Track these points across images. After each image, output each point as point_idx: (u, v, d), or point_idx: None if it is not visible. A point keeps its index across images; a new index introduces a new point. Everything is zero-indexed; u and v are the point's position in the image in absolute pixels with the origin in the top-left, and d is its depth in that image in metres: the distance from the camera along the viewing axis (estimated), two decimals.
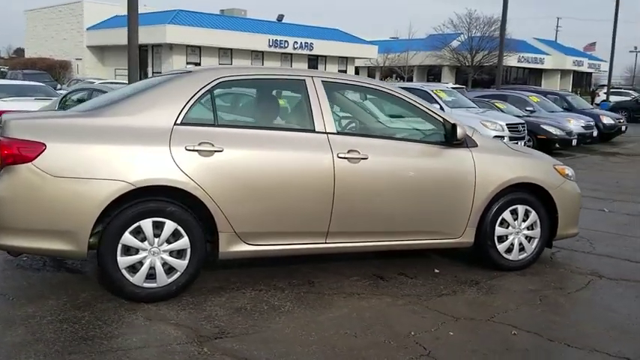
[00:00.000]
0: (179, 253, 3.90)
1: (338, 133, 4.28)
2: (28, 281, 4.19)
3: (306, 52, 35.87)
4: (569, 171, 5.07)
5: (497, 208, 4.71)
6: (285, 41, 34.79)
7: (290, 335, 3.42)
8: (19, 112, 4.30)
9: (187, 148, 3.86)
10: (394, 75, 47.60)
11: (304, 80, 4.33)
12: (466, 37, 45.53)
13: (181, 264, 3.90)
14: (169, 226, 3.83)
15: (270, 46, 34.21)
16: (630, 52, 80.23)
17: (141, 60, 31.78)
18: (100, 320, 3.53)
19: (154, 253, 3.83)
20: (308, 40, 35.83)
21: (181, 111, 3.95)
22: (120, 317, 3.60)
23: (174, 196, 3.85)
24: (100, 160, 3.71)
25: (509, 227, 4.77)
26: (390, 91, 4.67)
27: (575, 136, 15.29)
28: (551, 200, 4.87)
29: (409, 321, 3.69)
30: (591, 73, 62.98)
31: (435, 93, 14.58)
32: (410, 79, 45.64)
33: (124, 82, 25.82)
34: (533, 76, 54.92)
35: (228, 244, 4.01)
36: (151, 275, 3.84)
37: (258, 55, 34.65)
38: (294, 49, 35.37)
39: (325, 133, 4.23)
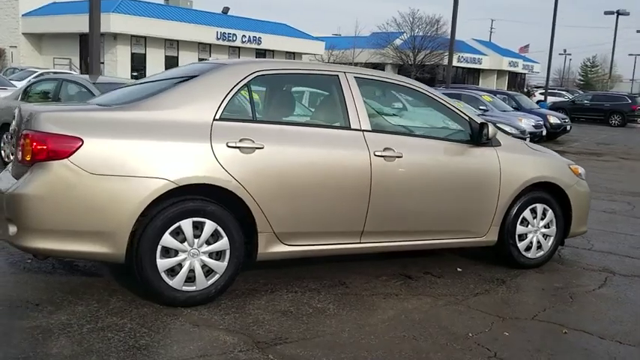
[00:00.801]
0: (218, 255, 3.71)
1: (372, 130, 4.19)
2: (47, 286, 3.89)
3: (254, 46, 35.42)
4: (581, 170, 5.19)
5: (519, 207, 4.75)
6: (234, 34, 34.23)
7: (350, 340, 3.31)
8: (44, 105, 3.99)
9: (229, 144, 3.68)
10: None
11: (337, 76, 4.22)
12: (409, 36, 46.36)
13: (221, 266, 3.71)
14: (209, 226, 3.64)
15: (218, 38, 33.56)
16: (560, 54, 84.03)
17: (82, 49, 30.69)
18: (145, 327, 3.32)
19: (194, 254, 3.63)
20: (256, 34, 35.40)
21: (219, 105, 3.76)
22: (164, 324, 3.39)
23: (212, 194, 3.67)
24: (140, 156, 3.48)
25: (529, 226, 4.83)
26: (418, 89, 4.63)
27: (528, 135, 15.78)
28: (566, 199, 4.97)
29: (460, 322, 3.66)
30: (525, 73, 65.42)
31: None
32: None
33: (69, 71, 24.83)
34: (471, 75, 56.58)
35: (266, 245, 3.86)
36: (189, 278, 3.64)
37: (205, 47, 33.95)
38: (243, 42, 34.87)
39: (361, 130, 4.14)
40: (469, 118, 4.62)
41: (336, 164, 4.02)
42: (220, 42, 33.83)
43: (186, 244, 3.60)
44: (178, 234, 3.58)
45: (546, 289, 4.43)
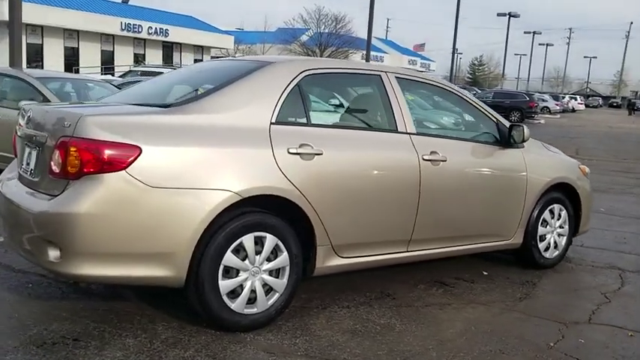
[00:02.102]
0: (277, 272, 3.38)
1: (417, 133, 4.00)
2: (71, 315, 3.35)
3: (161, 38, 34.02)
4: (587, 170, 5.30)
5: (540, 208, 4.77)
6: (139, 26, 32.64)
7: (444, 359, 3.12)
8: (81, 107, 3.42)
9: (290, 150, 3.34)
10: None
11: (380, 76, 3.99)
12: (315, 32, 46.65)
13: (280, 284, 3.38)
14: (271, 241, 3.30)
15: (122, 29, 31.85)
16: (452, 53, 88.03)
17: None
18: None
19: (255, 273, 3.27)
20: (163, 25, 34.00)
21: (275, 108, 3.41)
22: (237, 354, 3.02)
23: (270, 206, 3.32)
24: (201, 166, 3.08)
25: (547, 226, 4.86)
26: (450, 89, 4.50)
27: None
28: (577, 198, 5.05)
29: (530, 330, 3.56)
30: (423, 71, 67.95)
31: None
32: None
33: None
34: None
35: (324, 259, 3.57)
36: (249, 300, 3.28)
37: (108, 38, 32.11)
38: (149, 34, 33.34)
39: (407, 133, 3.94)
40: (496, 119, 4.56)
41: (389, 169, 3.80)
42: (125, 33, 32.16)
43: (247, 261, 3.24)
44: (239, 251, 3.21)
45: (579, 289, 4.46)
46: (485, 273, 4.69)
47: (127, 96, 3.96)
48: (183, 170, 3.02)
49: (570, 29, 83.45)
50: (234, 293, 3.22)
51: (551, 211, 4.87)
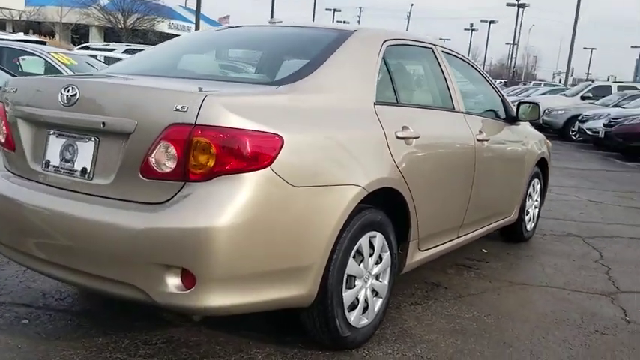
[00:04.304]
0: (381, 275, 2.95)
1: (467, 112, 3.79)
2: (129, 357, 2.58)
3: None
4: (550, 144, 5.56)
5: (528, 182, 4.89)
6: None
7: (568, 349, 3.00)
8: (192, 82, 2.50)
9: (397, 135, 2.92)
10: (30, 31, 41.99)
11: (432, 49, 3.68)
12: None
13: (383, 287, 2.97)
14: (379, 240, 2.86)
15: None
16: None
17: None
18: None
19: (366, 279, 2.82)
20: None
21: (373, 85, 2.94)
22: None
23: (375, 200, 2.86)
24: (331, 157, 2.53)
25: (529, 200, 5.02)
26: (473, 64, 4.34)
27: None
28: (546, 171, 5.29)
29: (594, 308, 3.61)
30: None
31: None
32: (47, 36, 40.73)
33: None
34: None
35: (412, 254, 3.22)
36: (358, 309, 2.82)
37: None
38: None
39: (462, 112, 3.72)
40: (502, 95, 4.53)
41: (458, 152, 3.56)
42: None
43: (362, 266, 2.77)
44: (355, 256, 2.72)
45: (575, 259, 4.65)
46: (484, 250, 4.69)
47: (153, 65, 3.14)
48: (318, 164, 2.45)
49: (360, 8, 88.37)
50: (352, 305, 2.74)
51: (532, 185, 5.03)
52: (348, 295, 2.67)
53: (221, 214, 2.12)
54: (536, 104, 4.47)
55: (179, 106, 2.18)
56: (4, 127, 2.73)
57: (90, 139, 2.41)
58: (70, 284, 2.52)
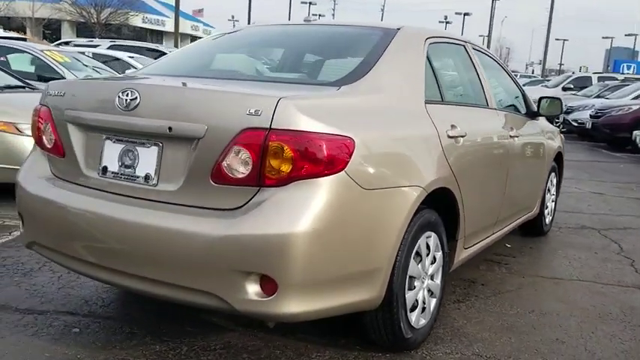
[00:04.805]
0: (433, 275, 2.94)
1: (497, 108, 3.80)
2: None
3: None
4: (563, 138, 5.60)
5: (548, 177, 4.92)
6: None
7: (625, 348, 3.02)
8: (270, 87, 2.44)
9: (449, 134, 2.90)
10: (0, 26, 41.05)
11: (464, 46, 3.67)
12: None
13: (437, 287, 2.95)
14: (434, 240, 2.84)
15: None
16: (229, 20, 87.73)
17: None
18: None
19: (423, 279, 2.80)
20: None
21: (422, 83, 2.92)
22: None
23: (429, 200, 2.84)
24: (395, 158, 2.51)
25: (548, 194, 5.06)
26: (497, 59, 4.34)
27: None
28: (561, 164, 5.34)
29: (625, 296, 3.66)
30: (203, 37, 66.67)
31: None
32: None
33: None
34: (155, 37, 55.16)
35: (459, 252, 3.21)
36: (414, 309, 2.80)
37: None
38: None
39: (494, 109, 3.72)
40: (522, 90, 4.55)
41: (498, 149, 3.56)
42: None
43: (420, 267, 2.75)
44: (414, 257, 2.70)
45: (598, 252, 4.69)
46: (508, 245, 4.71)
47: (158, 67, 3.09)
48: (385, 165, 2.42)
49: (334, 0, 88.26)
50: (412, 307, 2.72)
51: (550, 179, 5.07)
52: (409, 297, 2.65)
53: (301, 220, 2.08)
54: (558, 99, 4.48)
55: (252, 110, 2.12)
56: (51, 133, 2.64)
57: (153, 144, 2.34)
58: (135, 292, 2.45)
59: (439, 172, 2.75)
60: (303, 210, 2.09)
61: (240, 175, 2.15)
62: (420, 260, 2.73)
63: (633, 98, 14.65)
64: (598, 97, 16.64)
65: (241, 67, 3.20)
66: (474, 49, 3.76)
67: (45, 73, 7.91)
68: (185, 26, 55.67)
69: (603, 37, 70.66)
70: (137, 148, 2.38)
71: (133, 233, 2.27)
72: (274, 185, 2.12)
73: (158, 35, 54.90)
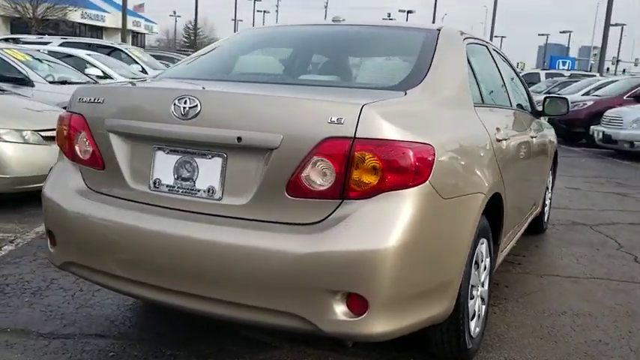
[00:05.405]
0: (483, 281, 2.88)
1: (516, 109, 3.78)
2: None
3: None
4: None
5: (549, 175, 4.98)
6: None
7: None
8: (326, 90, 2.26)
9: (497, 137, 2.85)
10: None
11: (487, 46, 3.63)
12: None
13: (486, 293, 2.90)
14: (485, 247, 2.79)
15: None
16: (170, 15, 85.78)
17: None
18: None
19: (478, 287, 2.74)
20: None
21: (469, 86, 2.85)
22: None
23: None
24: (463, 164, 2.42)
25: (547, 191, 5.12)
26: (506, 57, 4.31)
27: None
28: (556, 163, 5.41)
29: None
30: (146, 34, 65.11)
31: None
32: None
33: None
34: (94, 33, 53.45)
35: (499, 256, 3.17)
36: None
37: None
38: None
39: (515, 110, 3.71)
40: (527, 89, 4.56)
41: (525, 149, 3.53)
42: None
43: (477, 274, 2.69)
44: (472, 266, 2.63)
45: (600, 249, 4.78)
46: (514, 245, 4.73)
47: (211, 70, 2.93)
48: (456, 173, 2.34)
49: None
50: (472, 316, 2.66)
51: (549, 177, 5.13)
52: (470, 306, 2.58)
53: (392, 234, 1.97)
54: (564, 98, 4.52)
55: (334, 118, 1.99)
56: (88, 143, 2.42)
57: (215, 155, 2.17)
58: (197, 314, 2.26)
59: (494, 177, 2.69)
60: (392, 224, 1.98)
61: (321, 188, 2.02)
62: (477, 268, 2.66)
63: (584, 94, 15.19)
64: (548, 93, 17.15)
65: (292, 70, 3.04)
66: (493, 49, 3.73)
67: (6, 73, 7.43)
68: (127, 21, 54.12)
69: (539, 34, 73.13)
70: (196, 159, 2.20)
71: (197, 250, 2.10)
72: (358, 198, 2.00)
73: (97, 31, 53.20)
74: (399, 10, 68.67)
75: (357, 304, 1.98)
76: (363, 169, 1.98)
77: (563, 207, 6.31)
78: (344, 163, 1.98)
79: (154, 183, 2.27)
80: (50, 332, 2.78)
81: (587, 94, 15.28)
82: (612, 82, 15.62)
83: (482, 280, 2.76)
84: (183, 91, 2.21)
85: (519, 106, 4.30)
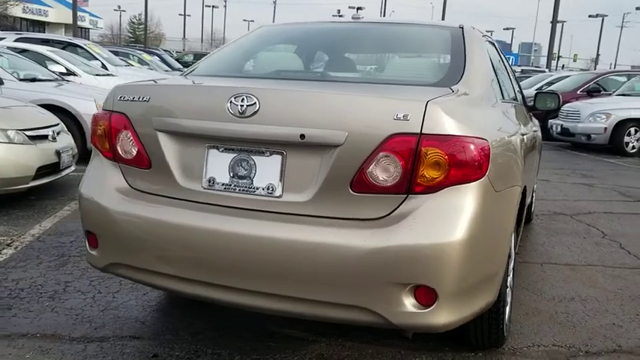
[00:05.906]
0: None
1: (521, 104, 3.93)
2: None
3: None
4: None
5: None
6: None
7: None
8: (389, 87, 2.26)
9: (521, 132, 2.96)
10: None
11: (494, 43, 3.74)
12: None
13: (511, 281, 3.00)
14: (513, 237, 2.89)
15: None
16: (115, 10, 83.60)
17: None
18: None
19: (509, 275, 2.84)
20: None
21: (496, 82, 2.95)
22: None
23: None
24: (507, 157, 2.52)
25: (534, 183, 5.30)
26: (502, 54, 4.45)
27: None
28: (540, 156, 5.61)
29: None
30: (90, 28, 63.30)
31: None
32: None
33: None
34: (37, 28, 51.61)
35: (516, 246, 3.28)
36: None
37: None
38: None
39: (520, 104, 3.84)
40: (519, 84, 4.71)
41: (532, 142, 3.66)
42: None
43: (510, 263, 2.79)
44: None
45: (586, 237, 5.00)
46: None
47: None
48: (503, 166, 2.41)
49: None
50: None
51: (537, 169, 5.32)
52: (507, 295, 2.68)
53: (458, 227, 2.03)
54: (555, 94, 4.68)
55: (400, 115, 2.04)
56: (133, 142, 2.39)
57: (274, 153, 2.18)
58: (259, 311, 2.24)
59: (523, 170, 2.80)
60: (458, 217, 2.05)
61: (386, 183, 2.06)
62: (509, 257, 2.76)
63: (537, 89, 15.71)
64: None
65: (332, 68, 3.06)
66: (497, 46, 3.85)
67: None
68: (69, 16, 52.46)
69: (486, 31, 74.90)
70: (253, 157, 2.21)
71: (260, 247, 2.11)
72: (423, 192, 2.06)
73: (40, 26, 51.38)
74: (349, 7, 69.04)
75: (426, 296, 2.04)
76: (430, 164, 2.03)
77: (540, 198, 6.54)
78: (410, 158, 2.03)
79: (209, 182, 2.26)
80: (82, 336, 2.73)
81: (540, 89, 15.81)
82: (565, 77, 16.20)
83: (510, 268, 2.87)
84: (239, 90, 2.21)
85: (518, 100, 4.46)
